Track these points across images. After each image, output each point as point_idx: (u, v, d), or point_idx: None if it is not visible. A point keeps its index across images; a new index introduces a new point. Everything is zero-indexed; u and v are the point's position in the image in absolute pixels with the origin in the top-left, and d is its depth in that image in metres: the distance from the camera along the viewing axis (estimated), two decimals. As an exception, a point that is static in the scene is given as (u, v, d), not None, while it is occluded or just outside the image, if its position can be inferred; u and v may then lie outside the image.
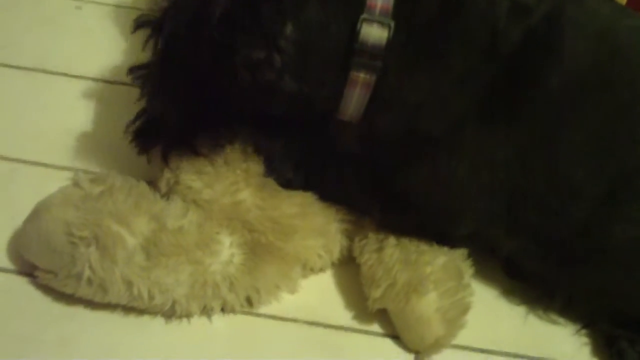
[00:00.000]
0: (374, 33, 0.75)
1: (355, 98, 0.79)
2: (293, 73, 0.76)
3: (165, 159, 0.87)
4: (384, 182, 0.87)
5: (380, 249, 0.87)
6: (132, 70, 0.88)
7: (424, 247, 0.87)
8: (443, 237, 0.88)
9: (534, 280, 0.89)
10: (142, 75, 0.87)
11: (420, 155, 0.81)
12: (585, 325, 0.89)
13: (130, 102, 0.88)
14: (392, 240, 0.87)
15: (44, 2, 1.20)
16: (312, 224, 0.87)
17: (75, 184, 0.85)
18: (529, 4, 0.78)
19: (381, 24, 0.75)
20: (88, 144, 1.01)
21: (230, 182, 0.87)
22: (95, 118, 1.04)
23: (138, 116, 0.88)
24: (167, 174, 0.88)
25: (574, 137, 0.77)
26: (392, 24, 0.75)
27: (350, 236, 0.90)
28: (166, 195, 0.87)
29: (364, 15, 0.75)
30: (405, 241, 0.87)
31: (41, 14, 1.19)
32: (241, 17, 0.73)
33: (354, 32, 0.75)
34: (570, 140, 0.77)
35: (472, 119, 0.78)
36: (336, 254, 0.89)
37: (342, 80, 0.78)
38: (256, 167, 0.89)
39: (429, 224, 0.87)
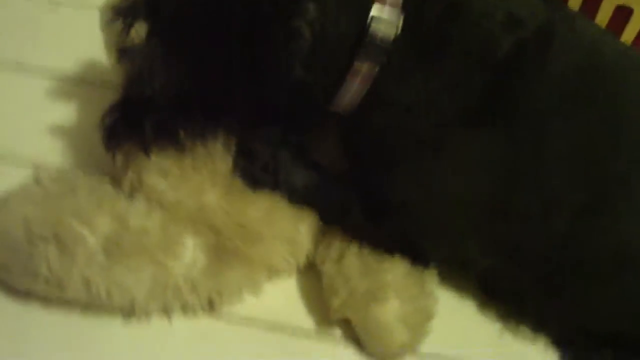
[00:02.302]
0: (383, 28, 0.75)
1: (353, 89, 0.79)
2: (303, 61, 0.76)
3: (146, 151, 0.84)
4: (365, 187, 0.86)
5: (340, 258, 0.86)
6: (122, 51, 0.84)
7: (384, 255, 0.86)
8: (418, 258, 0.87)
9: (507, 297, 0.88)
10: (133, 54, 0.83)
11: (406, 156, 0.81)
12: (556, 342, 0.88)
13: (102, 101, 0.86)
14: (353, 248, 0.86)
15: (19, 2, 1.18)
16: (279, 230, 0.86)
17: (37, 181, 0.83)
18: (522, 17, 0.78)
19: (390, 20, 0.76)
20: (56, 140, 0.99)
21: (195, 184, 0.85)
22: (65, 116, 1.02)
23: (112, 111, 0.84)
24: (131, 175, 0.86)
25: (558, 146, 0.77)
26: (401, 21, 0.76)
27: (317, 242, 0.89)
28: (130, 195, 0.85)
29: (374, 11, 0.75)
30: (366, 250, 0.86)
31: (16, 13, 1.16)
32: None
33: (363, 24, 0.75)
34: (554, 149, 0.77)
35: (460, 123, 0.78)
36: (303, 259, 0.87)
37: (345, 70, 0.78)
38: (223, 166, 0.87)
39: (407, 238, 0.86)
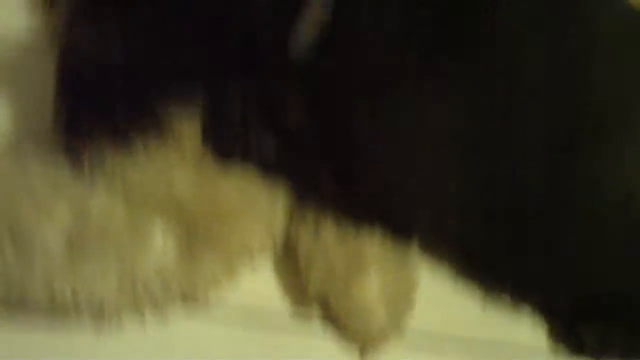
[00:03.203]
0: None
1: (309, 21, 0.72)
2: None
3: (123, 136, 0.77)
4: (334, 140, 0.79)
5: (317, 231, 0.81)
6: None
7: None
8: (397, 228, 0.81)
9: (484, 268, 0.84)
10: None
11: (365, 95, 0.74)
12: (540, 313, 0.85)
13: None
14: (329, 220, 0.81)
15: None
16: (255, 207, 0.80)
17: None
18: None
19: None
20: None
21: (161, 163, 0.78)
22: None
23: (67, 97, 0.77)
24: (90, 155, 0.78)
25: (529, 76, 0.71)
26: None
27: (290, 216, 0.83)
28: (89, 179, 0.78)
29: None
30: (343, 220, 0.81)
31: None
32: None
33: None
34: (525, 79, 0.71)
35: (417, 52, 0.71)
36: (280, 238, 0.82)
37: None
38: (190, 141, 0.80)
39: (381, 204, 0.80)
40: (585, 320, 0.83)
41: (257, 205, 0.80)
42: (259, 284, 0.83)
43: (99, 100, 0.74)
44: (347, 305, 0.79)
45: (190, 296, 0.77)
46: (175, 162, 0.78)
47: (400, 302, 0.81)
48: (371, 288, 0.78)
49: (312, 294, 0.80)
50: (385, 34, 0.71)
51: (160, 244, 0.75)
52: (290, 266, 0.83)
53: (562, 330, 0.84)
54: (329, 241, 0.80)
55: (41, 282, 0.71)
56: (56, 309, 0.74)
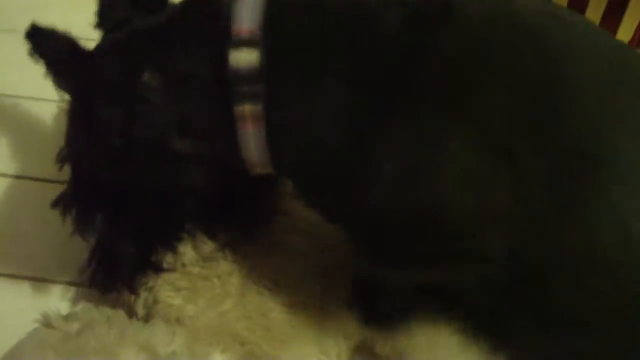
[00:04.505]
0: (244, 57, 0.67)
1: (251, 137, 0.70)
2: (177, 130, 0.70)
3: (131, 290, 0.83)
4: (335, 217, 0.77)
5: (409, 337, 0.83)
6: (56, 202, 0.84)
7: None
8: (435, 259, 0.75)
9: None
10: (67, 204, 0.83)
11: (342, 167, 0.70)
12: None
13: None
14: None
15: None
16: (306, 330, 0.83)
17: (47, 324, 0.77)
18: None
19: (249, 45, 0.68)
20: (37, 250, 0.95)
21: (210, 294, 0.82)
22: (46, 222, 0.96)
23: (91, 257, 0.83)
24: (144, 294, 0.82)
25: (498, 103, 0.65)
26: (263, 43, 0.68)
27: (349, 337, 0.85)
28: (146, 318, 0.82)
29: (230, 42, 0.68)
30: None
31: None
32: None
33: (221, 63, 0.68)
34: (496, 107, 0.65)
35: (379, 114, 0.68)
36: (334, 356, 0.84)
37: (231, 121, 0.69)
38: (226, 265, 0.84)
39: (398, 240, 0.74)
40: None
41: (307, 327, 0.83)
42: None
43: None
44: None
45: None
46: (221, 291, 0.82)
47: None
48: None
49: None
50: (339, 98, 0.69)
51: (222, 372, 0.78)
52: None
53: None
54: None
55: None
56: None
